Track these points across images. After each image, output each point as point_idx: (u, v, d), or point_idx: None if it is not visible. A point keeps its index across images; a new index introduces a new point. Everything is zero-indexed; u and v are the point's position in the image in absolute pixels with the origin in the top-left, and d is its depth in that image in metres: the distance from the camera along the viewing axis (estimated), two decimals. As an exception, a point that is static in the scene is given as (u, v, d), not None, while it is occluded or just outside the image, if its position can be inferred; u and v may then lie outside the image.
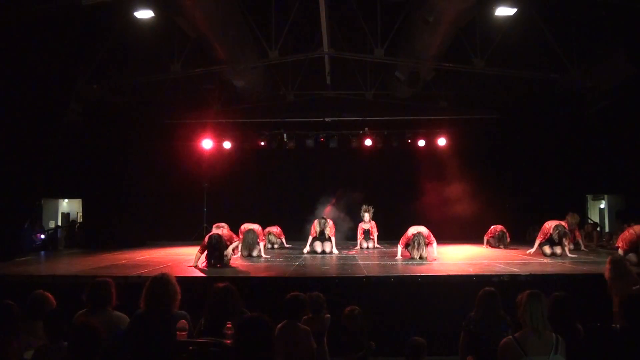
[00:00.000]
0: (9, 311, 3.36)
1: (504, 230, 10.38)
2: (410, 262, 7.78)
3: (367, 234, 10.66)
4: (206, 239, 7.39)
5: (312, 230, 9.71)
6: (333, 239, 9.66)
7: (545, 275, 6.27)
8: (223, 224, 8.20)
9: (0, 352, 3.17)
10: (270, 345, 2.58)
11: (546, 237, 8.51)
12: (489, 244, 10.48)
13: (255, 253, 8.84)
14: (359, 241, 10.59)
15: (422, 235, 8.12)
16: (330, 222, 9.81)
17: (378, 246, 10.48)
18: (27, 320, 3.58)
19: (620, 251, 7.25)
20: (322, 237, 9.60)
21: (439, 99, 12.40)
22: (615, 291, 4.62)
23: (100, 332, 2.93)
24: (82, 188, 11.97)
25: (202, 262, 7.27)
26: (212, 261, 7.21)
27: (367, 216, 10.69)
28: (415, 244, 8.04)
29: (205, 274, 6.65)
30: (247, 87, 11.11)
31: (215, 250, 7.23)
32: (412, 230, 8.34)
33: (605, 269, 4.87)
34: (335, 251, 9.48)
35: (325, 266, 7.50)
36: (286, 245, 10.60)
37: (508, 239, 10.33)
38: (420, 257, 8.07)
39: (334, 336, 4.13)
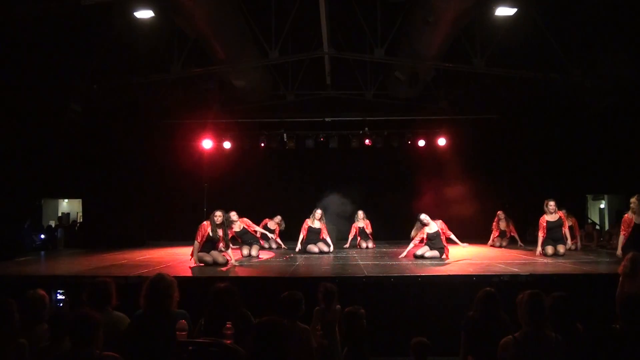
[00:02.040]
0: (9, 309, 3.37)
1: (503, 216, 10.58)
2: (410, 262, 7.79)
3: (363, 233, 10.66)
4: (206, 226, 7.49)
5: (305, 226, 9.69)
6: (327, 238, 9.68)
7: (545, 275, 6.27)
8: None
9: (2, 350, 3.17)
10: (287, 348, 2.58)
11: (545, 232, 8.55)
12: (493, 243, 10.57)
13: (254, 252, 8.89)
14: (349, 240, 10.62)
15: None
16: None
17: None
18: (28, 324, 3.58)
19: (622, 237, 7.30)
20: (313, 237, 9.61)
21: (439, 99, 12.40)
22: (623, 289, 4.62)
23: (98, 319, 2.96)
24: (82, 188, 11.97)
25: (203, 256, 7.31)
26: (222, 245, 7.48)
27: (361, 214, 10.73)
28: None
29: (205, 274, 6.66)
30: (247, 87, 11.10)
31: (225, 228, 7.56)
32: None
33: (622, 264, 4.85)
34: (332, 249, 9.53)
35: (325, 266, 7.50)
36: (282, 246, 10.59)
37: (517, 239, 10.52)
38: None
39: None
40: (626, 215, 7.44)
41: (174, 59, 9.62)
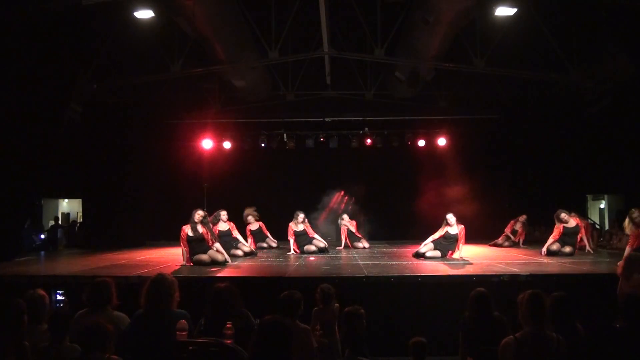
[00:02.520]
0: (19, 310, 3.36)
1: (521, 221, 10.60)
2: (410, 262, 7.79)
3: (351, 234, 10.61)
4: (185, 229, 7.61)
5: (290, 232, 9.66)
6: (315, 235, 9.72)
7: (545, 275, 6.27)
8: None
9: (12, 351, 3.17)
10: (290, 348, 2.58)
11: (559, 236, 8.56)
12: (495, 242, 10.60)
13: (246, 249, 8.97)
14: (343, 242, 10.60)
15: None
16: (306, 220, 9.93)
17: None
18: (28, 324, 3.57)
19: (628, 249, 7.21)
20: (303, 239, 9.62)
21: (439, 99, 12.40)
22: (622, 289, 4.65)
23: (108, 329, 3.04)
24: (82, 188, 11.96)
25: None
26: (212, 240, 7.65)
27: (345, 217, 10.67)
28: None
29: (205, 274, 6.66)
30: (247, 87, 11.10)
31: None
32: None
33: (619, 265, 4.87)
34: (326, 244, 9.58)
35: (325, 266, 7.50)
36: (273, 245, 10.60)
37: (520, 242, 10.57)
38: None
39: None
40: (632, 230, 7.18)
41: (174, 59, 9.61)
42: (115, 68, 9.96)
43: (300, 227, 9.73)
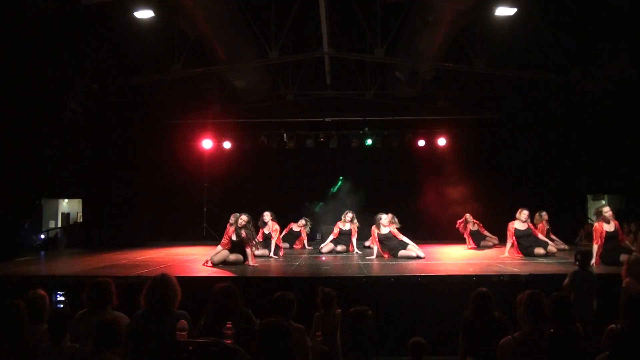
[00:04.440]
0: (18, 310, 3.37)
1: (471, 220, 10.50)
2: (411, 262, 7.79)
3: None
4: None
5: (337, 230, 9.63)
6: (354, 239, 9.61)
7: (545, 275, 6.27)
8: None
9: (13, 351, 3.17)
10: (291, 349, 2.58)
11: (514, 238, 8.51)
12: (477, 245, 10.53)
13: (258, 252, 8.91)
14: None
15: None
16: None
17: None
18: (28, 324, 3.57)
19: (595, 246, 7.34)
20: (342, 237, 9.58)
21: (439, 99, 12.40)
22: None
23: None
24: (82, 188, 11.96)
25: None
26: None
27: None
28: None
29: (207, 273, 6.66)
30: (247, 87, 11.10)
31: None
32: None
33: (623, 269, 4.91)
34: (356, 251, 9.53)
35: (325, 266, 7.50)
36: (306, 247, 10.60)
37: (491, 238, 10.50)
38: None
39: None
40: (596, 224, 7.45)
41: (174, 59, 9.62)
42: (116, 68, 9.95)
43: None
